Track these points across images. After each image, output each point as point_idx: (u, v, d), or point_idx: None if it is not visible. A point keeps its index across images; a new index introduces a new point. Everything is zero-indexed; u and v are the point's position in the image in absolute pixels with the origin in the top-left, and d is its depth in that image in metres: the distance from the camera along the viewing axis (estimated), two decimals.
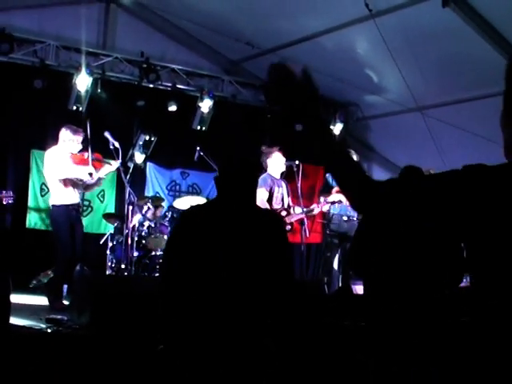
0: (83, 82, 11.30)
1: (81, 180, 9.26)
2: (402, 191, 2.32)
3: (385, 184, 2.39)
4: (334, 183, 10.61)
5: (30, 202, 11.63)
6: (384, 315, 5.50)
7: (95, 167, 9.38)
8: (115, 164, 9.54)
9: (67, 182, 9.10)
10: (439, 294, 5.80)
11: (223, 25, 11.89)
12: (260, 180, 8.80)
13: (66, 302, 8.89)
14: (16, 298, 8.32)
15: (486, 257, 2.19)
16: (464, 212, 2.18)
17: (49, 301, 9.03)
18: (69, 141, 9.13)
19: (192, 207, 4.56)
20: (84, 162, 9.23)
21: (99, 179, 9.52)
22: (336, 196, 10.25)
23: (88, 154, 9.22)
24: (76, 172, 9.20)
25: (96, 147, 9.92)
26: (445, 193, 2.23)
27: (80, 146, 9.24)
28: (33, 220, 11.69)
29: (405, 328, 5.29)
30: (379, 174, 14.60)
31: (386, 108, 13.05)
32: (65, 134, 9.15)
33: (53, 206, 9.19)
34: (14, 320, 6.80)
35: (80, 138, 9.19)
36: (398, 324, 5.35)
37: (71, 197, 9.18)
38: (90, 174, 9.23)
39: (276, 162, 9.96)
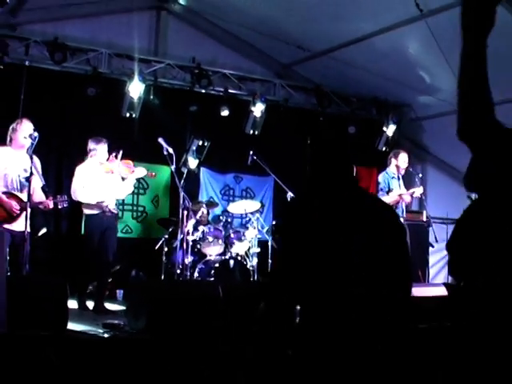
0: (136, 88, 11.39)
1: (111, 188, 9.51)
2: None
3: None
4: (391, 185, 10.46)
5: None
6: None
7: (122, 174, 9.71)
8: (142, 171, 9.90)
9: (98, 192, 9.27)
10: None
11: (274, 29, 11.89)
12: None
13: (121, 307, 8.98)
14: (73, 304, 8.43)
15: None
16: None
17: (78, 305, 9.17)
18: (94, 151, 9.46)
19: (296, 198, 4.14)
20: (112, 170, 9.48)
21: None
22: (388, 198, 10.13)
23: (117, 162, 9.54)
24: (105, 181, 9.46)
25: (150, 153, 10.07)
26: None
27: (106, 155, 9.51)
28: None
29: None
30: (434, 176, 14.44)
31: (439, 108, 12.90)
32: (90, 145, 9.51)
33: (85, 215, 9.41)
34: (71, 325, 6.89)
35: (103, 146, 9.49)
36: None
37: (103, 204, 9.33)
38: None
39: None
